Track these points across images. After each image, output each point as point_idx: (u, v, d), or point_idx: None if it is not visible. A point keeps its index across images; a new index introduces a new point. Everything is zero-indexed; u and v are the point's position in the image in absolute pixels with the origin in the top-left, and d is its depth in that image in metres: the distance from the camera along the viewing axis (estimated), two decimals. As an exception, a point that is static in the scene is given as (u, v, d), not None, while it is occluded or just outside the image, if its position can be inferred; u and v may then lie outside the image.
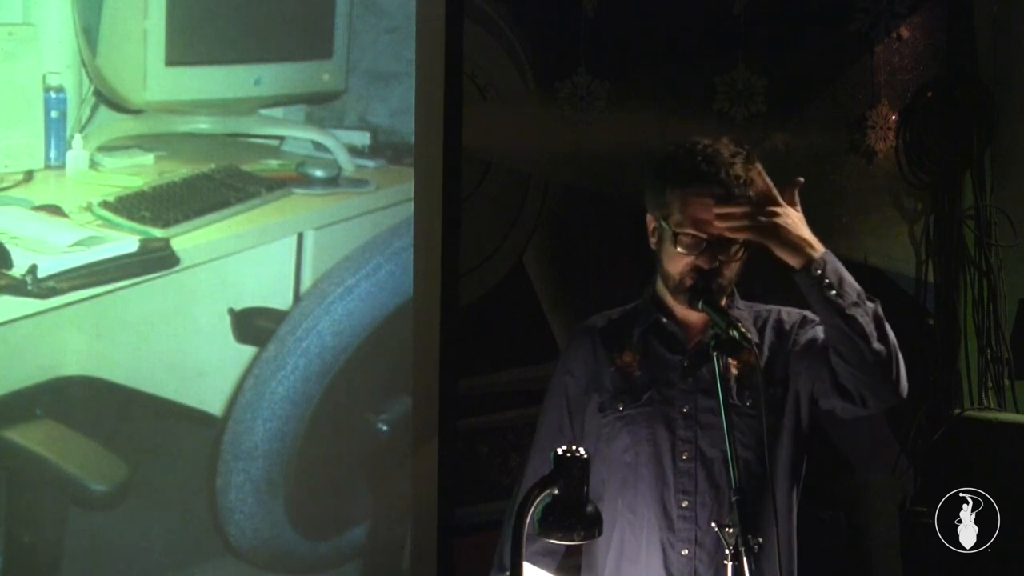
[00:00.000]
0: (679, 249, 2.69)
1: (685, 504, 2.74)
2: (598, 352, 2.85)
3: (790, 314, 2.85)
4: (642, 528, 2.77)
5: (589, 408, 2.84)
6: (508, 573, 2.28)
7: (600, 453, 2.79)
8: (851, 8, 4.18)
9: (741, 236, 2.66)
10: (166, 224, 3.31)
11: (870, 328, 2.61)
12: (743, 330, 2.54)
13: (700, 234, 2.67)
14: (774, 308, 2.87)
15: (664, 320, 2.80)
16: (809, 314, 2.82)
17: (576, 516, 2.27)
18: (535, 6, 3.86)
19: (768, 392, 2.72)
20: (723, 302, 2.76)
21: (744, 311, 2.84)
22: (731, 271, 2.72)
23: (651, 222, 2.77)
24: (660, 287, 2.81)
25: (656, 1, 3.96)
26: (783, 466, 2.79)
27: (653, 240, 2.78)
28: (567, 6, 3.86)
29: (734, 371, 2.74)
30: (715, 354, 2.53)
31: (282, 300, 3.47)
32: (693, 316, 2.76)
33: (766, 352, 2.80)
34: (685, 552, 2.73)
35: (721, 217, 2.64)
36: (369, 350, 3.55)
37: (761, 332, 2.83)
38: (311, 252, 3.49)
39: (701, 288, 2.66)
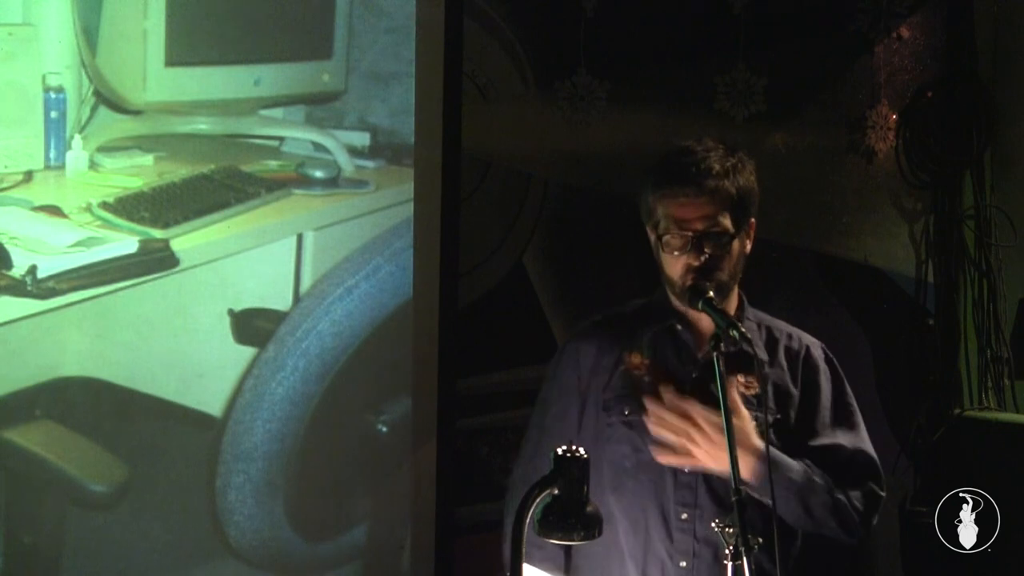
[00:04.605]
0: (669, 251, 2.70)
1: (684, 516, 2.73)
2: (604, 349, 2.84)
3: (798, 340, 2.88)
4: (639, 535, 2.76)
5: (592, 405, 2.82)
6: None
7: (598, 452, 2.77)
8: (851, 8, 4.17)
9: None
10: (166, 225, 3.31)
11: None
12: (743, 330, 2.54)
13: (684, 232, 2.68)
14: (784, 328, 2.88)
15: (679, 327, 2.80)
16: (812, 347, 2.86)
17: (576, 516, 2.27)
18: (535, 6, 3.86)
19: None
20: (732, 308, 2.78)
21: (753, 323, 2.85)
22: (729, 265, 2.72)
23: (650, 234, 2.79)
24: (669, 293, 2.81)
25: (656, 1, 3.95)
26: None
27: (655, 251, 2.79)
28: (567, 6, 3.86)
29: (744, 390, 2.74)
30: (715, 355, 2.52)
31: (282, 301, 3.46)
32: (704, 324, 2.75)
33: (778, 371, 2.81)
34: (683, 564, 2.72)
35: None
36: (369, 350, 3.55)
37: (773, 352, 2.83)
38: (311, 253, 3.49)
39: (701, 288, 2.66)
